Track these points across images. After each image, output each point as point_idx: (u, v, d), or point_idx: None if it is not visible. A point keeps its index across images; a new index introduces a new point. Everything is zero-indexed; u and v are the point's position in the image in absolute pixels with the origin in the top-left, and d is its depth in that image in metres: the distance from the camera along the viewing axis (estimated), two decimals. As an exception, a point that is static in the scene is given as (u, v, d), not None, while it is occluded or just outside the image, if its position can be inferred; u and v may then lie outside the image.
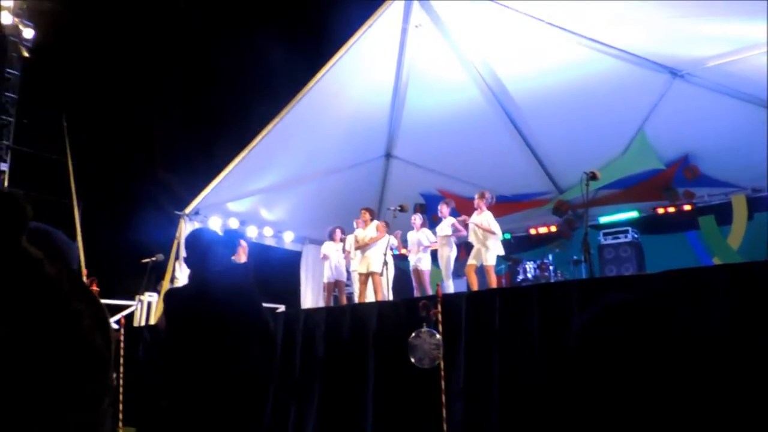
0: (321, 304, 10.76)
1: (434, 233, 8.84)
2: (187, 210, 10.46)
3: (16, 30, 10.09)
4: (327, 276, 9.66)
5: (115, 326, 7.72)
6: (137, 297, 9.81)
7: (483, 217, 8.31)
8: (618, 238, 10.25)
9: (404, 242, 9.35)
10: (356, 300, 9.25)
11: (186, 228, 10.23)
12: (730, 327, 4.01)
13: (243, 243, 9.69)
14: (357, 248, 9.20)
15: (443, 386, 5.17)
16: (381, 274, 8.49)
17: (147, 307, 9.92)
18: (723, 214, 10.17)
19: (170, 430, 3.12)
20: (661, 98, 9.31)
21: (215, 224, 10.57)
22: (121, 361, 7.01)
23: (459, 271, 9.14)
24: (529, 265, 10.04)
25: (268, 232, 11.72)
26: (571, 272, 10.04)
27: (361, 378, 5.85)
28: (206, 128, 14.72)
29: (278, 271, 11.99)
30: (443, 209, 8.82)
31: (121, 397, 6.80)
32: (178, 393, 3.09)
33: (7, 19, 9.86)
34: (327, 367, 6.16)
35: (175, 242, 10.12)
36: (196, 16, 13.56)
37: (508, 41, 9.12)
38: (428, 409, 5.23)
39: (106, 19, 13.22)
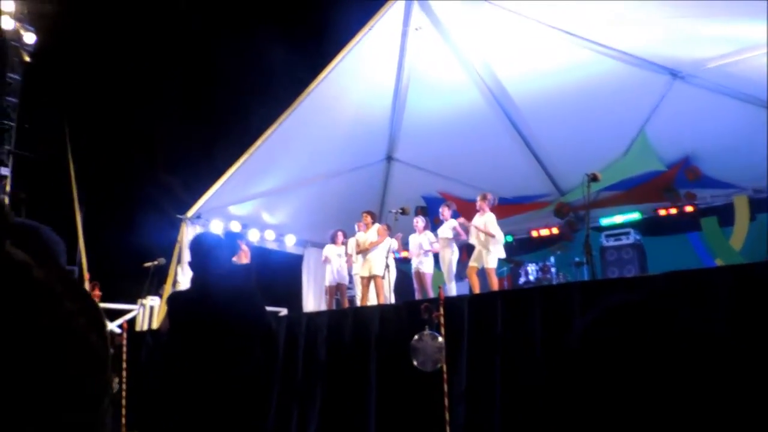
0: (323, 307, 10.77)
1: (436, 236, 8.84)
2: (189, 213, 10.45)
3: (17, 35, 10.10)
4: (329, 279, 9.66)
5: (117, 330, 7.72)
6: (139, 301, 9.79)
7: (485, 219, 8.30)
8: (620, 239, 10.25)
9: (405, 245, 9.35)
10: (358, 303, 9.25)
11: (188, 232, 10.23)
12: (733, 328, 4.01)
13: (244, 247, 9.71)
14: (358, 252, 9.21)
15: (446, 389, 5.17)
16: (383, 277, 8.49)
17: (149, 312, 9.89)
18: (725, 215, 10.16)
19: (173, 434, 3.13)
20: (661, 99, 9.31)
21: (217, 228, 10.56)
22: (124, 365, 7.01)
23: (461, 273, 9.13)
24: (531, 268, 10.04)
25: (269, 235, 11.71)
26: (573, 274, 10.04)
27: (363, 381, 5.85)
28: (207, 130, 14.73)
29: (280, 275, 11.98)
30: (444, 212, 8.82)
31: (123, 401, 6.80)
32: (181, 395, 3.09)
33: (8, 24, 9.87)
34: (329, 370, 6.16)
35: (177, 246, 10.12)
36: (197, 19, 13.59)
37: (508, 43, 9.13)
38: (431, 412, 5.22)
39: (106, 22, 13.24)
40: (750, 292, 4.06)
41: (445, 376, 5.18)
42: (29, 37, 10.26)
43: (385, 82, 10.13)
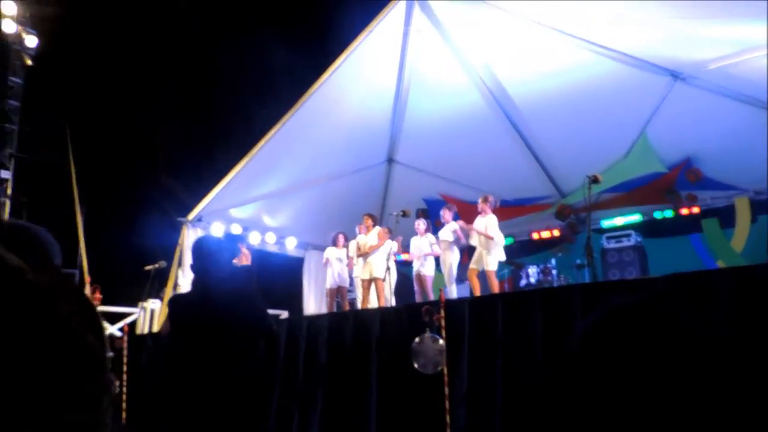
0: (324, 310, 10.76)
1: (437, 238, 8.83)
2: (190, 216, 10.46)
3: (18, 38, 10.11)
4: (329, 282, 9.65)
5: (118, 333, 7.72)
6: (140, 304, 9.79)
7: (486, 221, 8.29)
8: (621, 241, 10.23)
9: (406, 247, 9.34)
10: (359, 306, 9.25)
11: (189, 234, 10.23)
12: (735, 330, 4.00)
13: (245, 250, 9.70)
14: (359, 255, 9.20)
15: (446, 392, 5.16)
16: (383, 280, 8.49)
17: (150, 315, 9.89)
18: (726, 216, 10.15)
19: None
20: (662, 101, 9.30)
21: (218, 230, 10.56)
22: (125, 368, 7.01)
23: (462, 275, 9.13)
24: (532, 270, 10.03)
25: (270, 238, 11.71)
26: (574, 276, 10.02)
27: (364, 384, 5.84)
28: (208, 133, 14.75)
29: (281, 277, 11.98)
30: (446, 214, 8.81)
31: (124, 404, 6.80)
32: (182, 398, 3.09)
33: (10, 27, 9.88)
34: (330, 372, 6.15)
35: (178, 249, 10.11)
36: (197, 20, 13.61)
37: (509, 45, 9.13)
38: (431, 415, 5.21)
39: (107, 24, 13.27)
40: (751, 293, 4.06)
41: (445, 378, 5.17)
42: (31, 41, 10.28)
43: (386, 83, 10.13)
